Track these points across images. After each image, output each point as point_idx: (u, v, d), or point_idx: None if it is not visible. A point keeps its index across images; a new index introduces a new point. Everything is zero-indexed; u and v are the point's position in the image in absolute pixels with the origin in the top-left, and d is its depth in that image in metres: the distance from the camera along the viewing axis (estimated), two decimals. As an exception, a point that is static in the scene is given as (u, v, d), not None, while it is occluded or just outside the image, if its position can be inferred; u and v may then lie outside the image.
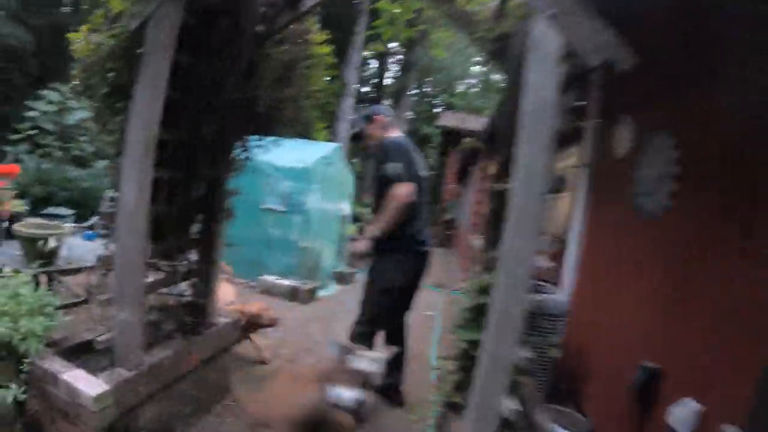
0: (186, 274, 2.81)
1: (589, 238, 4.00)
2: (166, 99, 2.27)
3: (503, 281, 1.92)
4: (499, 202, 2.21)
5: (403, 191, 2.93)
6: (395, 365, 3.25)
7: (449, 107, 25.49)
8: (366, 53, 17.70)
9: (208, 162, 2.73)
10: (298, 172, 6.48)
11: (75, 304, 3.30)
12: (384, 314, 3.17)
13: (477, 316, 2.51)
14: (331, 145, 7.58)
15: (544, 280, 4.39)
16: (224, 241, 3.03)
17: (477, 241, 3.56)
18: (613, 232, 3.43)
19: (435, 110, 28.73)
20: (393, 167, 2.96)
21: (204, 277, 2.91)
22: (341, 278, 7.98)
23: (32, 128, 7.95)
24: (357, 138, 3.41)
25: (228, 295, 3.86)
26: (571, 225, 4.41)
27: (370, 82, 24.23)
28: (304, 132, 3.52)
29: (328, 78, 3.40)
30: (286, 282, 6.24)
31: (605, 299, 3.33)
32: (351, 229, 8.92)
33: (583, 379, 3.28)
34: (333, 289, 7.38)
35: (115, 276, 2.23)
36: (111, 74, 2.37)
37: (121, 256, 2.20)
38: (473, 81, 26.81)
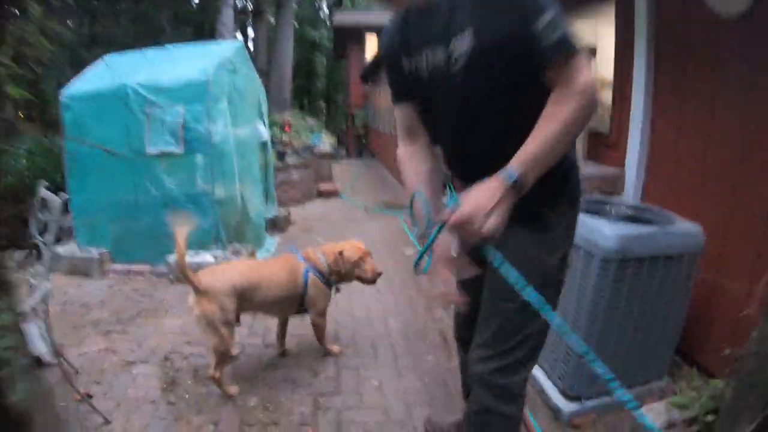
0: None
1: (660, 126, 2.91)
2: None
3: None
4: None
5: (591, 73, 1.19)
6: None
7: (339, 5, 22.63)
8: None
9: None
10: (192, 89, 4.24)
11: None
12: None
13: None
14: (231, 45, 5.24)
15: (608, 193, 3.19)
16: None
17: None
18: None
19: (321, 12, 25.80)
20: (548, 21, 1.14)
21: None
22: (275, 226, 6.06)
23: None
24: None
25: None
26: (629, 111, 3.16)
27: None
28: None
29: None
30: (209, 257, 4.24)
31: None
32: (274, 158, 6.81)
33: None
34: (271, 244, 5.47)
35: None
36: None
37: None
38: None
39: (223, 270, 2.56)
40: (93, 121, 4.42)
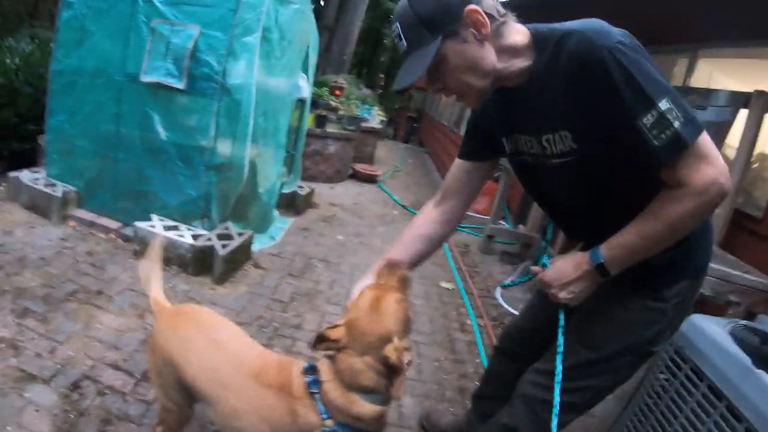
0: None
1: None
2: None
3: None
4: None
5: (715, 165, 0.98)
6: None
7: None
8: None
9: None
10: (215, 8, 3.11)
11: None
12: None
13: None
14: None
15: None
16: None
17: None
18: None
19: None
20: (657, 117, 0.96)
21: None
22: (292, 205, 4.94)
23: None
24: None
25: None
26: None
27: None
28: None
29: None
30: (186, 232, 3.15)
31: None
32: (311, 122, 5.64)
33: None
34: (279, 229, 4.34)
35: None
36: None
37: None
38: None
39: (190, 320, 1.44)
40: (92, 24, 3.35)
